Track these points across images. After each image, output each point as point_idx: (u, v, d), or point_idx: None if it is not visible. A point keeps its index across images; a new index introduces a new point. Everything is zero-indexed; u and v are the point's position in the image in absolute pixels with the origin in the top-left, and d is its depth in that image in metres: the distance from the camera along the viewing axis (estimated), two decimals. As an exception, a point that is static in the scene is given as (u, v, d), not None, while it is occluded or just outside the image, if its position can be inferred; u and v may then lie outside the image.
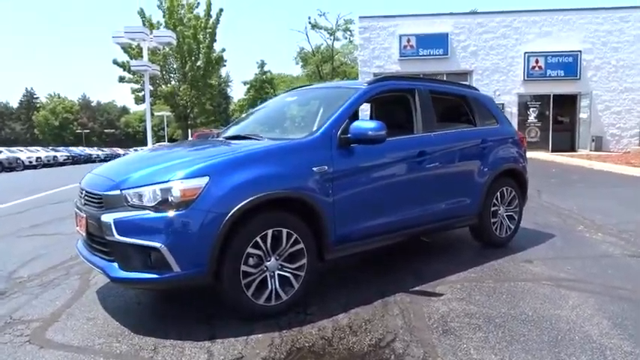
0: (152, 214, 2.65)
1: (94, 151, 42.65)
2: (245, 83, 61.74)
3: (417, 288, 3.50)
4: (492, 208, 4.47)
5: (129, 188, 2.77)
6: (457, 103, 4.49)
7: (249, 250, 2.82)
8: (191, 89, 26.10)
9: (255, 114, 4.43)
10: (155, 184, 2.72)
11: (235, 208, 2.72)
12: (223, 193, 2.73)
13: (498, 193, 4.52)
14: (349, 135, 3.26)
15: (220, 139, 3.83)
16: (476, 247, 4.70)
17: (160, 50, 25.85)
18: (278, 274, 2.98)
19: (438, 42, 19.18)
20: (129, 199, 2.75)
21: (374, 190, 3.45)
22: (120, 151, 48.77)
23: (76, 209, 3.22)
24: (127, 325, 2.88)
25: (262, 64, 62.14)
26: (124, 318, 3.01)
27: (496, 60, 19.09)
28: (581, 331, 2.72)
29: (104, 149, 47.37)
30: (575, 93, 18.89)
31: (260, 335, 2.73)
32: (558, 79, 18.62)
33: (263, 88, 60.82)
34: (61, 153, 33.90)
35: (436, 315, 2.98)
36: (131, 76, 27.55)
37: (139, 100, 29.49)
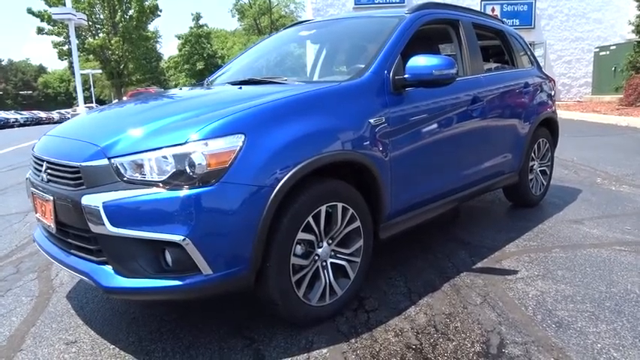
0: (164, 193, 1.77)
1: (10, 115, 37.96)
2: (179, 37, 57.62)
3: (479, 264, 2.88)
4: (530, 163, 3.91)
5: (122, 155, 1.85)
6: (495, 40, 3.79)
7: (300, 235, 2.03)
8: (124, 42, 23.45)
9: (257, 53, 3.44)
10: (164, 147, 1.82)
11: (285, 179, 1.89)
12: (267, 157, 1.88)
13: (536, 146, 3.96)
14: (406, 75, 2.48)
15: (223, 85, 2.88)
16: (505, 207, 4.16)
17: (83, -2, 22.98)
18: (331, 263, 2.23)
19: (394, -12, 18.24)
20: (123, 172, 1.83)
21: (431, 145, 2.72)
22: (42, 114, 44.13)
23: (32, 189, 2.23)
24: (131, 350, 2.03)
25: (198, 17, 58.11)
26: (121, 338, 2.14)
27: (452, 8, 18.50)
28: None
29: (22, 112, 42.42)
30: (530, 42, 18.81)
31: (324, 350, 1.99)
32: (514, 28, 18.41)
33: (199, 43, 57.16)
34: (-27, 117, 29.96)
35: (530, 301, 2.37)
36: (51, 28, 24.33)
37: (64, 55, 26.19)
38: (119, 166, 1.84)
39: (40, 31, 23.77)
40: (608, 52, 16.06)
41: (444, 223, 3.69)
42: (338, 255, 2.25)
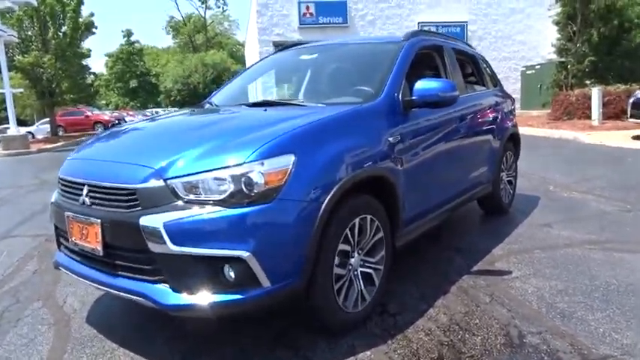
0: (224, 211, 1.87)
1: None
2: (109, 55, 55.66)
3: (476, 268, 3.16)
4: (500, 174, 4.31)
5: (179, 177, 1.92)
6: (468, 64, 4.17)
7: (340, 246, 2.19)
8: (56, 60, 22.32)
9: (260, 76, 3.58)
10: (220, 168, 1.92)
11: (331, 194, 2.06)
12: (314, 174, 2.04)
13: (504, 158, 4.37)
14: (414, 97, 2.73)
15: (239, 106, 2.98)
16: (478, 216, 4.52)
17: (11, 13, 21.63)
18: (361, 272, 2.39)
19: (337, 10, 18.92)
20: (180, 193, 1.91)
21: (431, 159, 2.99)
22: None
23: (68, 213, 2.21)
24: (181, 368, 2.07)
25: (129, 34, 56.55)
26: (165, 356, 2.17)
27: (392, 29, 19.43)
28: (684, 295, 2.61)
29: None
30: (463, 62, 20.16)
31: (369, 353, 2.14)
32: (448, 49, 19.66)
33: (132, 60, 55.51)
34: None
35: (531, 297, 2.66)
36: (-27, 44, 22.71)
37: (-12, 74, 24.43)
38: (175, 187, 1.91)
39: (-40, 47, 22.10)
40: (533, 71, 17.58)
41: (433, 236, 3.95)
42: (366, 264, 2.43)
